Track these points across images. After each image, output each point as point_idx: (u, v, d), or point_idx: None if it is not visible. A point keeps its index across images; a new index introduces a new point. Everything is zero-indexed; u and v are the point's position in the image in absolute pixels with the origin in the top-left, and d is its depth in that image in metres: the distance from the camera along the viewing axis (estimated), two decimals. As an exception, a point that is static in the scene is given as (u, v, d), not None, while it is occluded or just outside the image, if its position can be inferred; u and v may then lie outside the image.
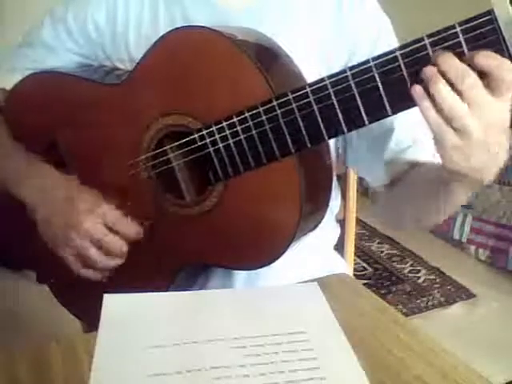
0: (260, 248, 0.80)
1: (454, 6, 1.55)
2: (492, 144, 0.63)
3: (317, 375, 0.61)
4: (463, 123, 0.60)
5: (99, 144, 0.87)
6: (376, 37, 0.87)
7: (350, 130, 0.69)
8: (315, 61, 0.87)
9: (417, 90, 0.62)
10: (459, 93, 0.59)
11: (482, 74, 0.59)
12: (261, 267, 0.81)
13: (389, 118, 0.68)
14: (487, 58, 0.59)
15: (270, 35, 0.80)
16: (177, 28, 0.79)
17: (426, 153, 0.87)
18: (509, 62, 0.59)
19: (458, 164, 0.64)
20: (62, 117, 0.91)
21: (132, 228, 0.84)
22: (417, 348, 0.68)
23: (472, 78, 0.59)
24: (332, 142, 0.91)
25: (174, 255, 0.85)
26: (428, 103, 0.61)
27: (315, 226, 0.84)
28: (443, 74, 0.60)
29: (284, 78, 0.77)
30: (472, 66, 0.59)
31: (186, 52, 0.79)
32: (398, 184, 0.89)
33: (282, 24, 0.87)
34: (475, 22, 0.59)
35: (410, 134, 0.87)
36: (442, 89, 0.60)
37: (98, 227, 0.82)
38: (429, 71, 0.60)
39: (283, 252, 0.78)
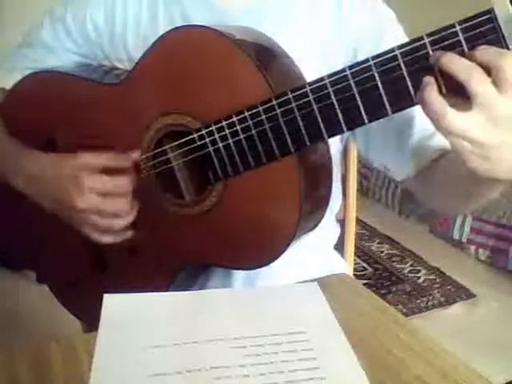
0: (260, 247, 0.80)
1: (455, 5, 1.55)
2: (508, 139, 0.60)
3: (317, 375, 0.61)
4: (466, 135, 0.59)
5: (98, 144, 0.87)
6: (380, 34, 0.86)
7: (349, 129, 0.69)
8: (316, 61, 0.86)
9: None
10: (465, 91, 0.59)
11: (487, 71, 0.58)
12: (260, 267, 0.80)
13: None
14: (486, 52, 0.58)
15: (269, 35, 0.80)
16: (176, 27, 0.79)
17: None
18: (508, 51, 0.58)
19: (480, 166, 0.62)
20: (61, 116, 0.91)
21: (123, 183, 0.82)
22: (417, 348, 0.68)
23: (479, 73, 0.58)
24: (335, 143, 0.91)
25: (174, 255, 0.85)
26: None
27: (315, 226, 0.84)
28: (448, 74, 0.59)
29: (283, 77, 0.77)
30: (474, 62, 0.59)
31: (185, 51, 0.79)
32: (429, 172, 0.87)
33: (282, 24, 0.87)
34: (475, 21, 0.59)
35: None
36: (448, 118, 0.58)
37: (92, 201, 0.81)
38: (431, 102, 0.59)
39: (283, 251, 0.78)
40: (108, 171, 0.83)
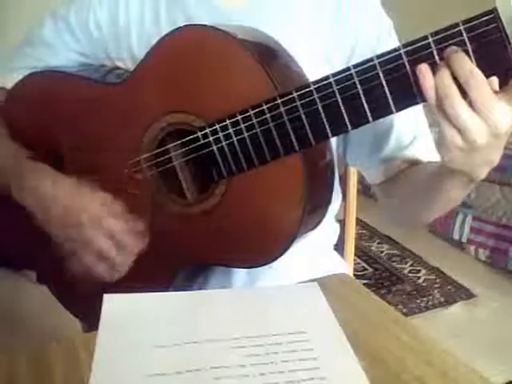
0: (262, 246, 0.80)
1: (458, 6, 1.55)
2: (495, 148, 0.63)
3: (317, 375, 0.61)
4: (462, 123, 0.60)
5: (100, 143, 0.87)
6: (377, 39, 0.87)
7: (354, 128, 0.69)
8: (318, 61, 0.87)
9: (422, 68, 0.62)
10: (466, 94, 0.59)
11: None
12: (262, 265, 0.80)
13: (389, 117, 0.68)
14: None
15: (271, 35, 0.80)
16: (179, 27, 0.79)
17: (426, 151, 0.87)
18: None
19: (458, 162, 0.64)
20: (62, 116, 0.91)
21: (137, 243, 0.82)
22: (417, 348, 0.68)
23: (478, 78, 0.59)
24: (333, 142, 0.91)
25: (176, 254, 0.85)
26: (431, 80, 0.61)
27: (317, 225, 0.84)
28: (452, 73, 0.60)
29: (286, 76, 0.77)
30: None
31: (188, 50, 0.79)
32: (394, 182, 0.90)
33: (284, 24, 0.87)
34: (478, 21, 0.59)
35: (411, 130, 0.87)
36: (456, 103, 0.59)
37: (106, 244, 0.80)
38: (442, 84, 0.60)
39: (285, 250, 0.78)
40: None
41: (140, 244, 0.82)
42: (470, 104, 0.60)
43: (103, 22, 0.92)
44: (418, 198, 0.84)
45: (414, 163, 0.88)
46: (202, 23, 0.78)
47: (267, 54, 0.78)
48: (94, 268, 0.83)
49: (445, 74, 0.60)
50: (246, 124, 0.74)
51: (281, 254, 0.78)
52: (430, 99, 0.61)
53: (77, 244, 0.82)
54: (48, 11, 0.97)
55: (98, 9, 0.91)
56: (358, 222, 1.75)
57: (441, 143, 0.64)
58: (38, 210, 0.86)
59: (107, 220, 0.81)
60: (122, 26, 0.91)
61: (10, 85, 0.97)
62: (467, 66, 0.59)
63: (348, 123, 0.69)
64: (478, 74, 0.59)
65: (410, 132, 0.87)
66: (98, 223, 0.81)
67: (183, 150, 0.81)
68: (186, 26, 0.79)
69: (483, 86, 0.59)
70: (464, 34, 0.60)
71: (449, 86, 0.60)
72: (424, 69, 0.61)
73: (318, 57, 0.87)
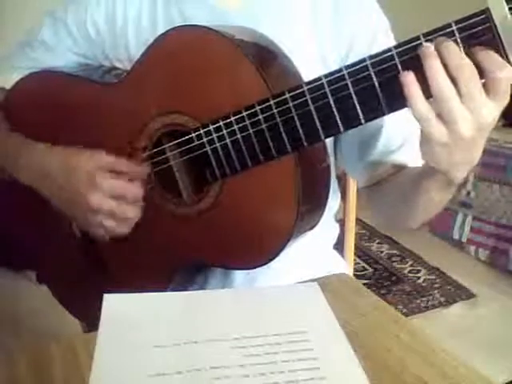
0: (257, 247, 0.80)
1: (451, 6, 1.56)
2: (476, 144, 0.63)
3: (317, 375, 0.61)
4: (452, 115, 0.60)
5: (97, 143, 0.87)
6: (373, 38, 0.87)
7: (346, 130, 0.69)
8: (315, 62, 0.87)
9: (407, 77, 0.61)
10: (455, 84, 0.59)
11: (480, 74, 0.59)
12: (257, 267, 0.80)
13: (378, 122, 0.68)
14: (488, 57, 0.59)
15: (268, 35, 0.80)
16: (174, 27, 0.79)
17: (414, 156, 0.87)
18: (501, 59, 0.58)
19: (440, 160, 0.64)
20: (60, 116, 0.91)
21: (136, 189, 0.82)
22: (417, 348, 0.68)
23: (470, 70, 0.58)
24: (331, 143, 0.91)
25: (172, 254, 0.85)
26: (417, 90, 0.61)
27: (313, 225, 0.84)
28: (442, 63, 0.60)
29: (282, 77, 0.77)
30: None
31: (183, 51, 0.79)
32: (380, 186, 0.90)
33: (281, 25, 0.87)
34: (471, 21, 0.59)
35: (400, 134, 0.87)
36: (435, 67, 0.59)
37: (107, 203, 0.80)
38: (426, 49, 0.60)
39: (280, 251, 0.77)
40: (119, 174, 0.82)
41: (133, 211, 0.82)
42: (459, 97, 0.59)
43: (101, 23, 0.92)
44: (401, 200, 0.84)
45: (402, 168, 0.88)
46: (197, 23, 0.78)
47: (262, 55, 0.77)
48: (97, 232, 0.84)
49: (439, 71, 0.59)
50: (240, 125, 0.74)
51: (275, 256, 0.78)
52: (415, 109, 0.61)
53: (79, 209, 0.82)
54: (48, 11, 0.97)
55: (95, 9, 0.91)
56: (358, 222, 1.75)
57: (422, 139, 0.64)
58: (38, 186, 0.86)
59: (104, 180, 0.81)
60: (119, 26, 0.91)
61: (9, 84, 0.97)
62: (458, 58, 0.59)
63: (340, 125, 0.68)
64: (470, 66, 0.58)
65: (399, 137, 0.87)
66: (95, 185, 0.80)
67: (178, 150, 0.81)
68: (181, 26, 0.79)
69: (474, 78, 0.59)
70: (456, 34, 0.60)
71: (443, 81, 0.59)
72: (409, 78, 0.61)
73: (313, 57, 0.87)
